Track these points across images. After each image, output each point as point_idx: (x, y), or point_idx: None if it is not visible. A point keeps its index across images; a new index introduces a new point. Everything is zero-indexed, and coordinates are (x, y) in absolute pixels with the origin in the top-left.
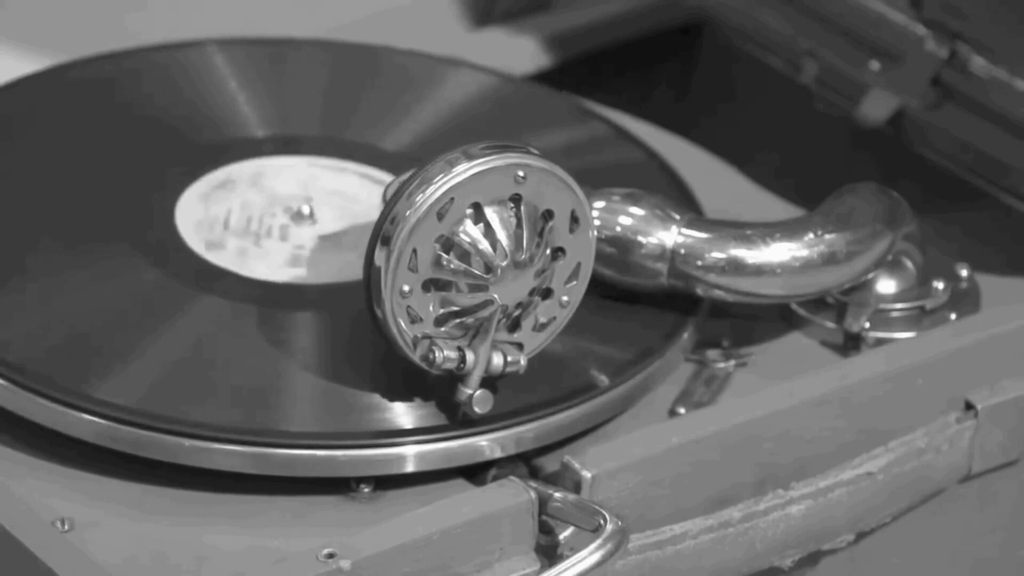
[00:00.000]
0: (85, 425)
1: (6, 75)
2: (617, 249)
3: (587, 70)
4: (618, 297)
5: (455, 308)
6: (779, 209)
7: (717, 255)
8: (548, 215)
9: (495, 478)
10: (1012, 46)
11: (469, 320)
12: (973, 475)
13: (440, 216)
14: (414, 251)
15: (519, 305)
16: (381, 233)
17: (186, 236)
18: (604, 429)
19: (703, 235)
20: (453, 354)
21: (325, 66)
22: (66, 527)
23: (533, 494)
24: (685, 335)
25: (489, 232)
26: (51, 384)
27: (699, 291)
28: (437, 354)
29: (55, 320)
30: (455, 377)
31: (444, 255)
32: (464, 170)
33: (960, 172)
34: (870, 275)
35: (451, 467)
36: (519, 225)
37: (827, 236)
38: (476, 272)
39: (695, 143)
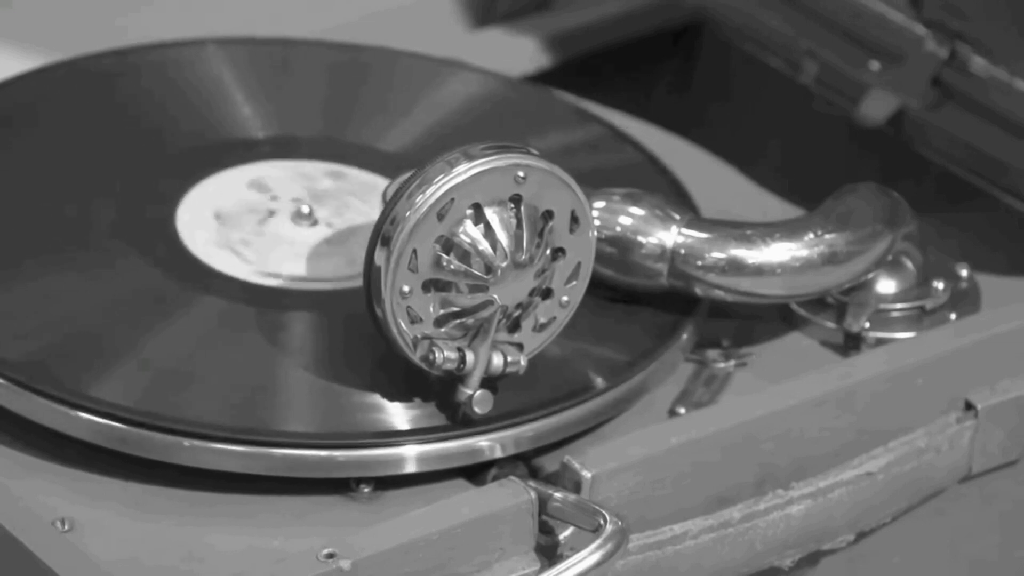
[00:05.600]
0: (85, 425)
1: (6, 75)
2: (617, 249)
3: (587, 70)
4: (618, 297)
5: (455, 309)
6: (779, 209)
7: (717, 255)
8: (548, 215)
9: (495, 478)
10: (1012, 46)
11: (469, 321)
12: (973, 475)
13: (440, 217)
14: (414, 251)
15: (519, 305)
16: (381, 233)
17: (185, 236)
18: (604, 429)
19: (703, 235)
20: (453, 355)
21: (324, 66)
22: (66, 527)
23: (533, 494)
24: (685, 335)
25: (489, 233)
26: (51, 384)
27: (699, 291)
28: (437, 355)
29: (54, 320)
30: (455, 378)
31: (444, 256)
32: (464, 171)
33: (960, 172)
34: (870, 275)
35: (451, 467)
36: (519, 225)
37: (827, 236)
38: (476, 273)
39: (695, 143)
